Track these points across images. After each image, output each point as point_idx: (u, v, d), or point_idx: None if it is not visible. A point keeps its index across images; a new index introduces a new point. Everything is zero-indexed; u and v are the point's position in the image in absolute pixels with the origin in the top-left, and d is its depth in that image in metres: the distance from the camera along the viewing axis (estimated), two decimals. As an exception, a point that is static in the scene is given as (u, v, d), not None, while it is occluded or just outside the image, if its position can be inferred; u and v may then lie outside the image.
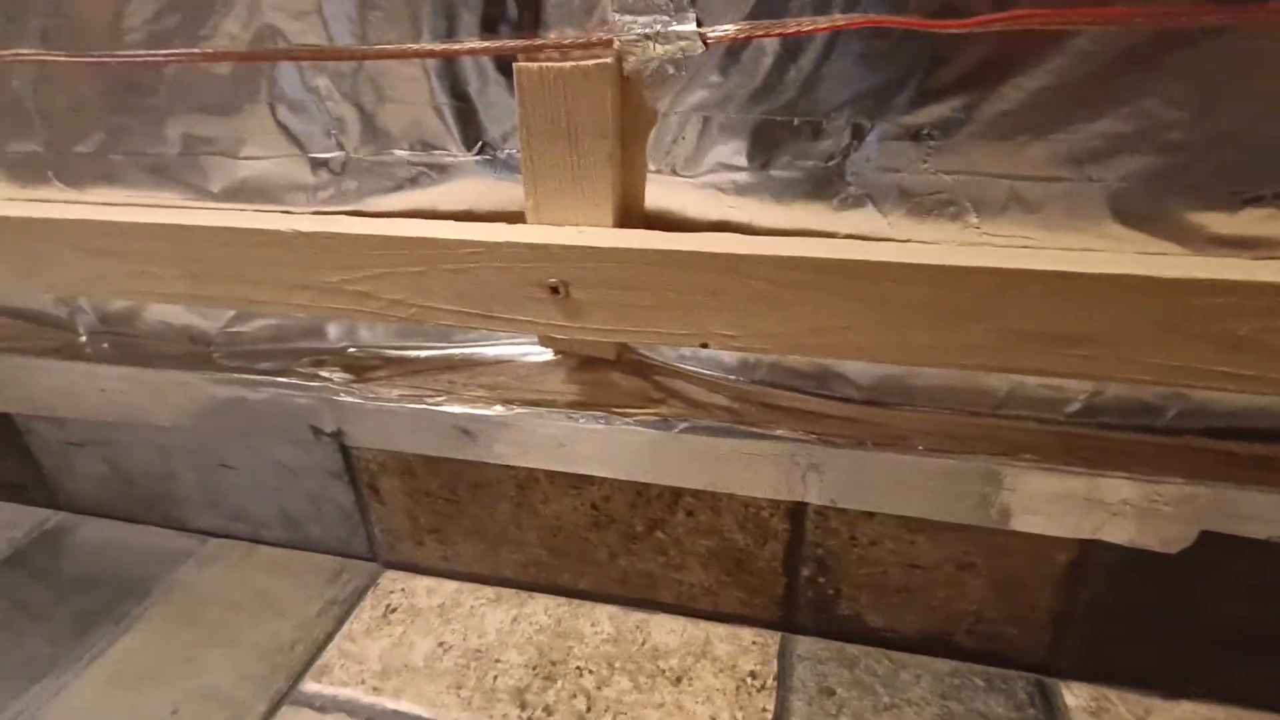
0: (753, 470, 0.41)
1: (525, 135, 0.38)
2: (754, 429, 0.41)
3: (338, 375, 0.47)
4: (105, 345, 0.53)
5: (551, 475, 0.46)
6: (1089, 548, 0.39)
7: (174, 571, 0.54)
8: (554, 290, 0.38)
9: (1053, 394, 0.38)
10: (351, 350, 0.49)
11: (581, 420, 0.43)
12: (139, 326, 0.52)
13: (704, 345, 0.38)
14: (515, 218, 0.41)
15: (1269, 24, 0.27)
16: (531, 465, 0.45)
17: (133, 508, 0.58)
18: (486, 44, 0.37)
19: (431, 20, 0.37)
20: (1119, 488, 0.36)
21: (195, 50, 0.40)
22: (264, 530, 0.56)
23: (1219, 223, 0.32)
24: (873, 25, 0.30)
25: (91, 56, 0.42)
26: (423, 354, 0.48)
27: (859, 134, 0.34)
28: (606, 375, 0.44)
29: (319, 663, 0.46)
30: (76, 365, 0.52)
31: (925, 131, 0.33)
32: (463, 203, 0.42)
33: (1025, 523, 0.39)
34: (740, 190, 0.37)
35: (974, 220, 0.34)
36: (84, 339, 0.53)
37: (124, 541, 0.57)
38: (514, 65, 0.36)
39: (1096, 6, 0.28)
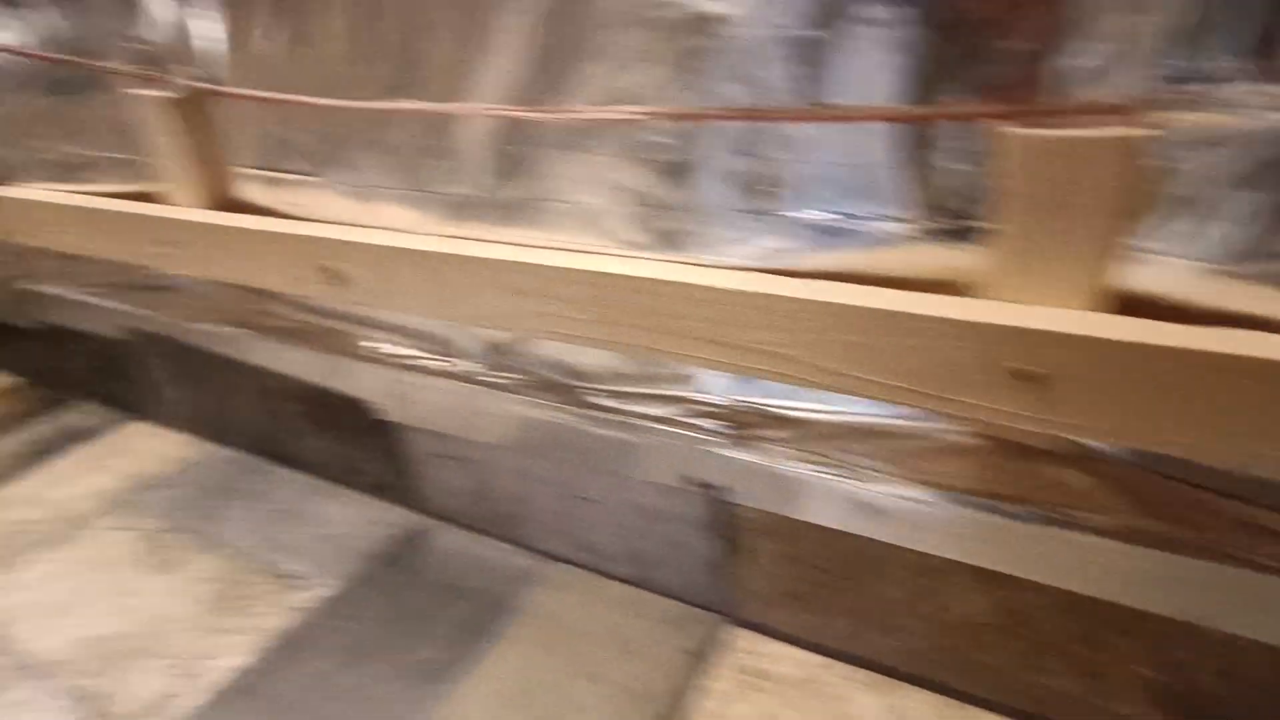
0: (1231, 602, 0.34)
1: (1003, 206, 0.33)
2: (1237, 554, 0.33)
3: (718, 427, 0.46)
4: (488, 372, 0.56)
5: (958, 567, 0.41)
6: None
7: (531, 592, 0.56)
8: (1028, 378, 0.33)
9: None
10: (729, 402, 0.47)
11: (1012, 517, 0.38)
12: (519, 357, 0.55)
13: (1202, 457, 0.32)
14: (948, 287, 0.36)
15: None
16: (938, 553, 0.41)
17: (487, 521, 0.62)
18: (971, 109, 0.33)
19: (890, 80, 0.33)
20: None
21: (642, 109, 0.40)
22: (611, 564, 0.56)
23: None
24: None
25: (534, 111, 0.43)
26: (812, 416, 0.45)
27: None
28: (1044, 467, 0.39)
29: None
30: (460, 387, 0.56)
31: None
32: (895, 267, 0.38)
33: None
34: (1252, 279, 0.30)
35: None
36: (467, 364, 0.57)
37: (480, 554, 0.60)
38: (1000, 130, 0.32)
39: None
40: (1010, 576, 0.40)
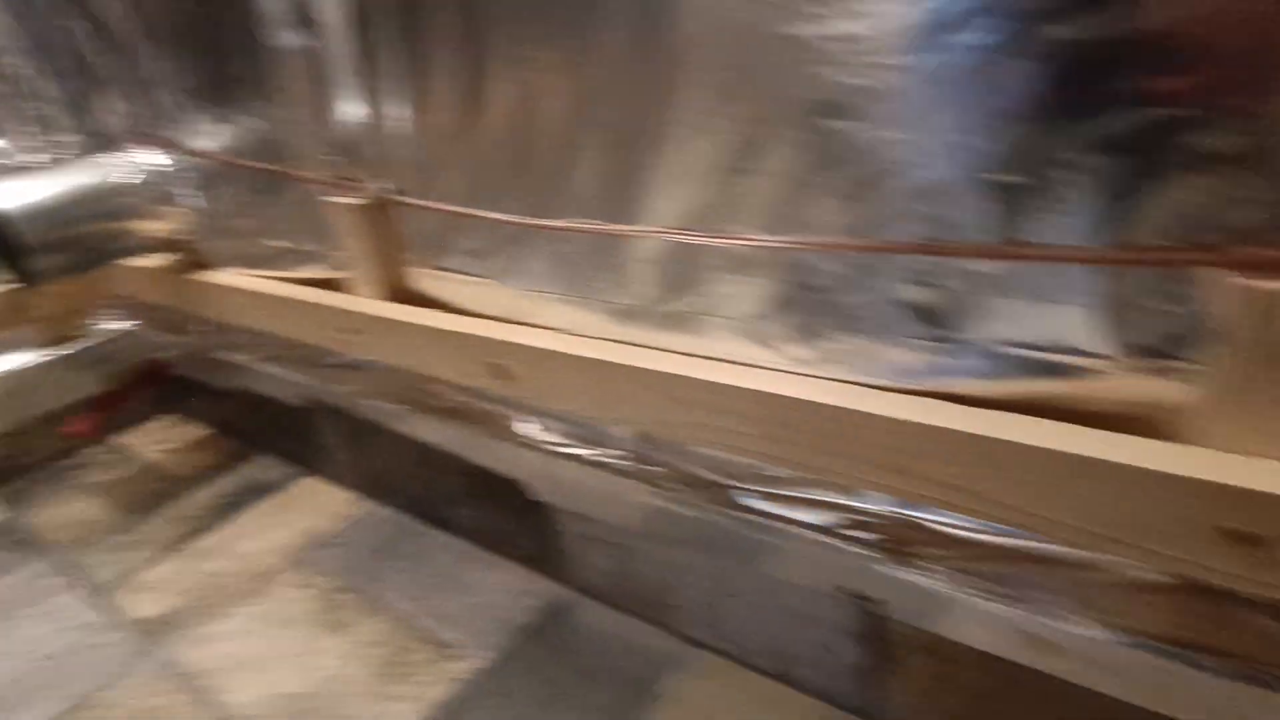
0: None
1: (1222, 354, 0.31)
2: None
3: (876, 539, 0.45)
4: (638, 465, 0.57)
5: (1127, 708, 0.38)
6: None
7: (673, 678, 0.56)
8: (1240, 539, 0.31)
9: None
10: (888, 513, 0.46)
11: (1200, 667, 0.35)
12: (670, 451, 0.55)
13: None
14: (1148, 424, 0.35)
15: None
16: (1108, 693, 0.38)
17: (631, 601, 0.62)
18: (1193, 255, 0.31)
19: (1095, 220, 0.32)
20: None
21: (810, 240, 0.40)
22: (755, 658, 0.56)
23: None
24: None
25: (705, 235, 0.45)
26: (977, 537, 0.43)
27: None
28: (1246, 615, 0.36)
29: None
30: (609, 476, 0.57)
31: None
32: (1090, 398, 0.37)
33: None
34: None
35: None
36: (617, 454, 0.58)
37: (625, 634, 0.61)
38: (1221, 279, 0.30)
39: None
40: (1196, 727, 0.37)
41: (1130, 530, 0.34)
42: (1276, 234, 0.29)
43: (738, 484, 0.52)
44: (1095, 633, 0.38)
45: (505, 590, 0.67)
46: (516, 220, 0.54)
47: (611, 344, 0.52)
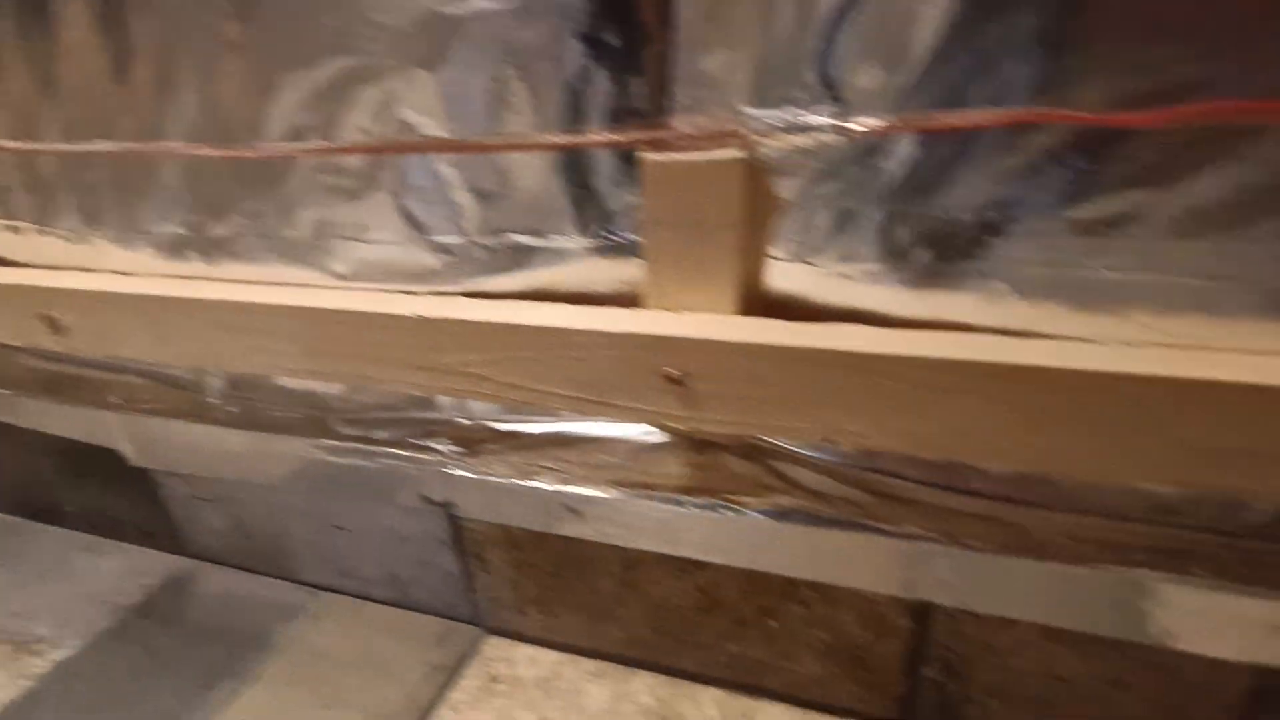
0: (875, 567, 0.38)
1: (648, 224, 0.36)
2: (879, 524, 0.37)
3: (448, 448, 0.46)
4: (232, 409, 0.53)
5: (659, 557, 0.44)
6: (1271, 676, 0.34)
7: (289, 625, 0.54)
8: (673, 381, 0.36)
9: (1229, 501, 0.33)
10: (462, 422, 0.48)
11: (692, 506, 0.41)
12: (263, 392, 0.53)
13: (831, 442, 0.35)
14: (629, 300, 0.39)
15: None
16: (639, 547, 0.43)
17: (252, 559, 0.59)
18: (614, 136, 0.35)
19: (557, 111, 0.35)
20: (1308, 615, 0.31)
21: (327, 145, 0.40)
22: (371, 588, 0.55)
23: None
24: (1043, 120, 0.27)
25: (234, 150, 0.42)
26: (532, 430, 0.46)
27: (1007, 228, 0.30)
28: (720, 459, 0.42)
29: (425, 734, 0.45)
30: (206, 428, 0.53)
31: (1089, 226, 0.29)
32: (578, 284, 0.40)
33: (1187, 643, 0.34)
34: (873, 278, 0.34)
35: (1143, 318, 0.30)
36: (213, 402, 0.54)
37: (244, 591, 0.57)
38: (640, 156, 0.34)
39: (1309, 99, 0.24)
40: (698, 561, 0.42)
41: (607, 390, 0.37)
42: (661, 116, 0.34)
43: (325, 414, 0.51)
44: (613, 494, 0.42)
45: (117, 573, 0.60)
46: (33, 147, 0.47)
47: (159, 279, 0.48)
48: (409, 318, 0.40)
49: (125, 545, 0.63)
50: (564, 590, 0.48)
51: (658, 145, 0.35)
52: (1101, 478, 0.31)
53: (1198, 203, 0.27)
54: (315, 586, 0.57)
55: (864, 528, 0.37)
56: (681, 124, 0.34)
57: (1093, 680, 0.37)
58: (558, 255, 0.40)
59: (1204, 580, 0.32)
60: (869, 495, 0.39)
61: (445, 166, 0.39)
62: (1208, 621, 0.33)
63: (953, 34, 0.28)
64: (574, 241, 0.39)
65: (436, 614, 0.54)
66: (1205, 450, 0.28)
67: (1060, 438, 0.30)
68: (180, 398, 0.55)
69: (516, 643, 0.51)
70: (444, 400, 0.48)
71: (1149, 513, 0.34)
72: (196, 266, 0.48)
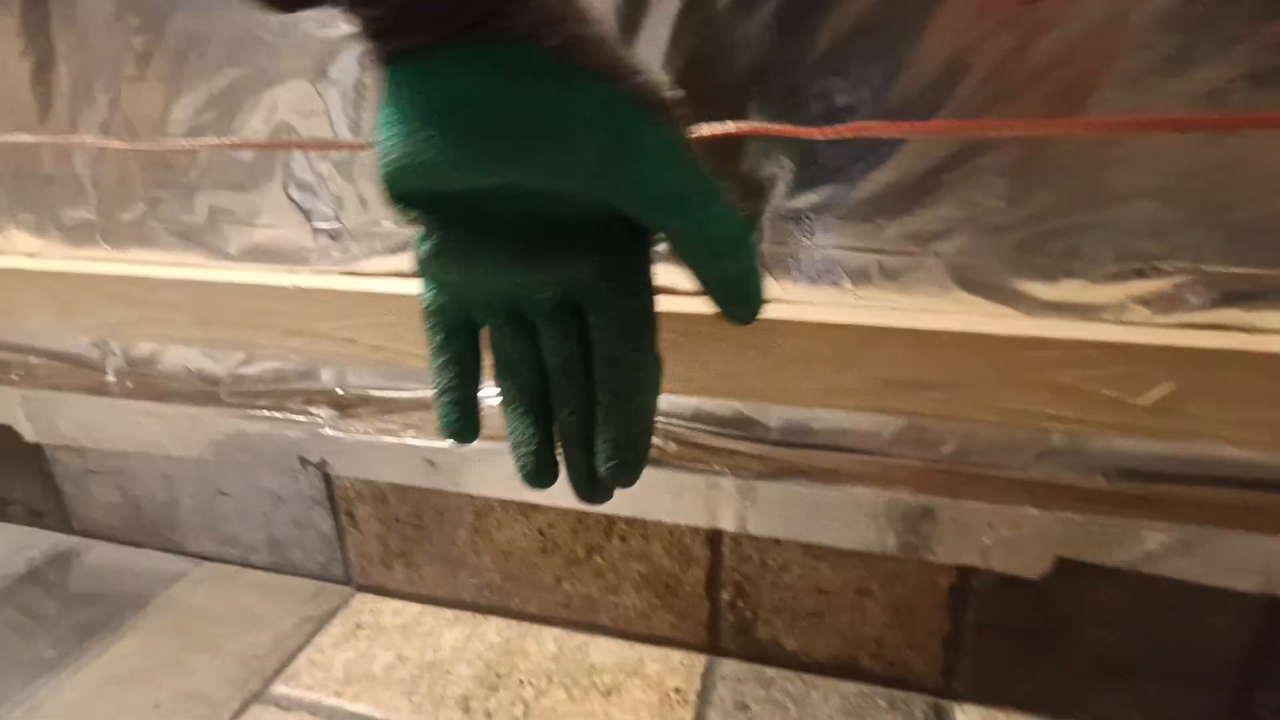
0: (675, 499, 0.45)
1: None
2: (678, 462, 0.45)
3: (324, 411, 0.53)
4: (129, 384, 0.58)
5: (504, 503, 0.50)
6: (968, 574, 0.43)
7: (169, 589, 0.58)
8: (505, 339, 0.44)
9: (928, 436, 0.42)
10: (338, 391, 0.54)
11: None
12: (160, 369, 0.58)
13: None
14: None
15: (1054, 131, 0.33)
16: (486, 494, 0.50)
17: (139, 532, 0.62)
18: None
19: None
20: (982, 517, 0.40)
21: (225, 140, 0.47)
22: (253, 555, 0.59)
23: (1044, 291, 0.37)
24: (754, 133, 0.36)
25: (141, 144, 0.49)
26: (400, 395, 0.53)
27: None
28: (555, 416, 0.49)
29: (289, 670, 0.50)
30: (100, 400, 0.57)
31: (804, 214, 0.39)
32: (437, 266, 0.48)
33: (905, 549, 0.42)
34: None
35: (849, 286, 0.40)
36: (111, 379, 0.59)
37: (128, 563, 0.61)
38: None
39: (919, 121, 0.34)
40: (536, 504, 0.49)
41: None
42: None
43: (215, 386, 0.56)
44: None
45: (1, 549, 0.63)
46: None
47: (65, 260, 0.53)
48: (288, 288, 0.46)
49: (9, 526, 0.65)
50: (425, 542, 0.53)
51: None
52: (825, 406, 0.40)
53: (865, 195, 0.37)
54: (200, 556, 0.61)
55: (668, 466, 0.45)
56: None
57: (846, 591, 0.45)
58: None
59: (910, 494, 0.41)
60: (674, 443, 0.47)
61: (325, 163, 0.47)
62: (914, 529, 0.41)
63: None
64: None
65: (312, 576, 0.58)
66: (889, 381, 0.38)
67: (794, 378, 0.39)
68: (80, 375, 0.59)
69: (384, 598, 0.56)
70: (324, 373, 0.54)
71: (877, 448, 0.43)
72: (105, 251, 0.53)
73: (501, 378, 0.29)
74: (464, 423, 0.30)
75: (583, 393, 0.28)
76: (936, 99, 0.34)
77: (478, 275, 0.27)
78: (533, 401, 0.29)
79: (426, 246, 0.27)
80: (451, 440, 0.30)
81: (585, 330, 0.28)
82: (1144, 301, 0.36)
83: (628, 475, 0.27)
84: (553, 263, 0.27)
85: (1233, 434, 0.34)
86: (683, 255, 0.28)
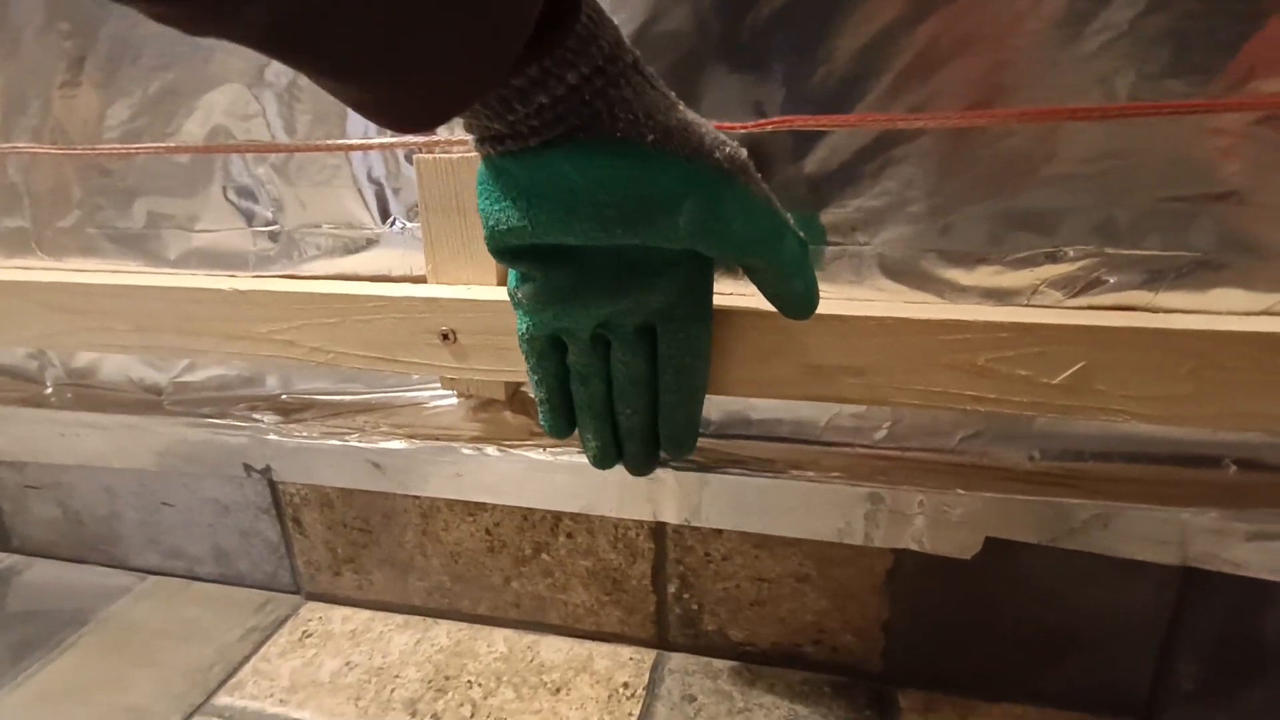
0: (619, 493, 0.46)
1: (424, 212, 0.44)
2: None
3: (268, 417, 0.52)
4: (69, 395, 0.57)
5: (451, 504, 0.50)
6: (901, 557, 0.44)
7: (111, 605, 0.56)
8: (445, 337, 0.44)
9: (861, 423, 0.43)
10: (284, 396, 0.54)
11: (471, 451, 0.48)
12: (100, 379, 0.57)
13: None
14: (419, 279, 0.47)
15: (961, 125, 0.35)
16: (433, 495, 0.49)
17: (80, 548, 0.61)
18: (394, 140, 0.44)
19: (351, 119, 0.44)
20: (914, 501, 0.41)
21: (161, 145, 0.47)
22: (199, 567, 0.58)
23: (962, 277, 0.38)
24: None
25: (75, 149, 0.48)
26: (345, 398, 0.53)
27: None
28: (499, 414, 0.49)
29: (233, 680, 0.48)
30: (39, 412, 0.56)
31: (731, 207, 0.39)
32: (380, 268, 0.48)
33: (842, 534, 0.43)
34: None
35: (779, 277, 0.40)
36: (49, 390, 0.58)
37: (69, 580, 0.59)
38: (414, 156, 0.43)
39: (836, 114, 0.36)
40: (482, 504, 0.49)
41: (394, 348, 0.45)
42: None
43: (158, 395, 0.55)
44: (407, 445, 0.48)
45: (-65, 572, 0.60)
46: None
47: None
48: (225, 291, 0.46)
49: (-51, 546, 0.63)
50: (373, 546, 0.53)
51: (428, 147, 0.43)
52: (757, 395, 0.40)
53: (789, 188, 0.38)
54: (144, 571, 0.60)
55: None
56: (445, 131, 0.43)
57: (787, 579, 0.46)
58: (362, 243, 0.48)
59: (843, 481, 0.42)
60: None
61: (263, 166, 0.46)
62: (848, 515, 0.42)
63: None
64: (374, 230, 0.47)
65: (260, 586, 0.57)
66: (816, 367, 0.38)
67: (727, 367, 0.40)
68: (17, 387, 0.58)
69: (333, 605, 0.56)
70: (269, 378, 0.54)
71: (811, 436, 0.44)
72: (40, 260, 0.52)
73: (576, 387, 0.35)
74: (562, 424, 0.37)
75: (646, 396, 0.35)
76: (856, 92, 0.36)
77: (573, 310, 0.32)
78: (603, 405, 0.35)
79: (527, 287, 0.32)
80: (554, 436, 0.37)
81: (654, 345, 0.34)
82: (1055, 285, 0.37)
83: (690, 451, 0.37)
84: (636, 295, 0.32)
85: (1136, 409, 0.35)
86: (756, 280, 0.33)
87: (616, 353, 0.34)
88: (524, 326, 0.34)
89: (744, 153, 0.30)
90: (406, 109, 0.25)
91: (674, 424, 0.36)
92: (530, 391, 0.49)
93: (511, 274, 0.34)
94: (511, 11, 0.23)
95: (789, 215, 0.32)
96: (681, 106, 0.29)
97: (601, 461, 0.37)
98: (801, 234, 0.33)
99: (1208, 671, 0.42)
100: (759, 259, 0.31)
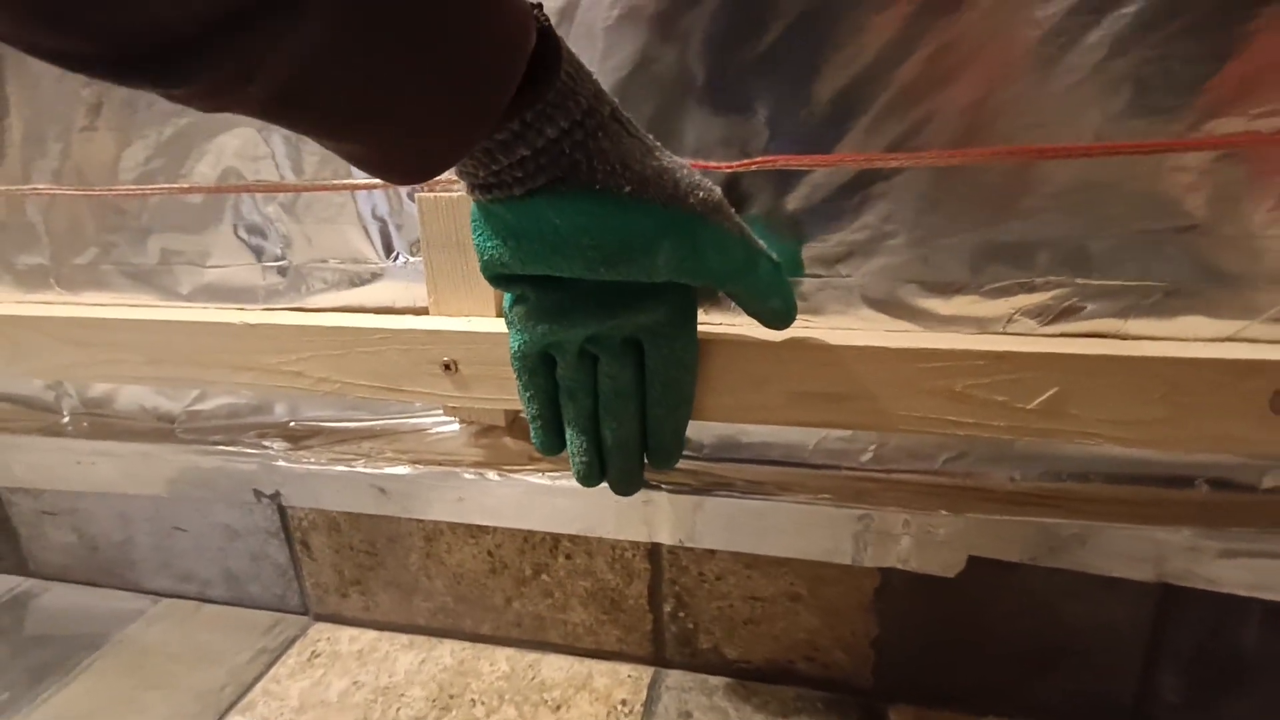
0: (617, 515, 0.47)
1: (426, 247, 0.46)
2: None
3: (277, 444, 0.53)
4: (85, 424, 0.58)
5: (453, 526, 0.51)
6: (889, 576, 0.45)
7: (125, 628, 0.57)
8: (447, 367, 0.45)
9: (848, 446, 0.44)
10: (292, 423, 0.55)
11: (472, 476, 0.49)
12: (115, 409, 0.58)
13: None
14: (422, 312, 0.48)
15: (937, 163, 0.36)
16: (436, 518, 0.51)
17: (95, 572, 0.62)
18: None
19: None
20: (900, 521, 0.42)
21: (175, 185, 0.49)
22: (210, 590, 0.59)
23: (941, 306, 0.40)
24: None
25: (93, 190, 0.50)
26: (351, 425, 0.54)
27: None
28: (499, 440, 0.51)
29: (244, 701, 0.50)
30: (55, 440, 0.57)
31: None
32: (384, 301, 0.50)
33: (830, 554, 0.44)
34: None
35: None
36: (66, 420, 0.59)
37: (84, 604, 0.61)
38: (416, 195, 0.45)
39: (818, 153, 0.37)
40: (484, 526, 0.50)
41: (398, 378, 0.46)
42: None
43: (172, 424, 0.57)
44: (411, 470, 0.50)
45: (-46, 596, 0.62)
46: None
47: (18, 304, 0.54)
48: (236, 324, 0.48)
49: (-33, 571, 0.65)
50: (379, 569, 0.54)
51: (430, 186, 0.45)
52: (744, 421, 0.42)
53: (774, 223, 0.39)
54: (157, 594, 0.61)
55: (607, 486, 0.47)
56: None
57: (780, 598, 0.47)
58: (367, 277, 0.49)
59: (830, 502, 0.43)
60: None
61: (272, 205, 0.48)
62: (837, 536, 0.43)
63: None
64: (379, 265, 0.49)
65: (269, 608, 0.59)
66: (802, 394, 0.40)
67: (712, 393, 0.41)
68: (35, 417, 0.59)
69: (341, 626, 0.57)
70: (278, 406, 0.55)
71: (800, 459, 0.45)
72: (58, 294, 0.54)
73: (565, 402, 0.36)
74: (552, 440, 0.38)
75: (631, 409, 0.36)
76: (837, 131, 0.37)
77: (562, 327, 0.33)
78: (589, 421, 0.36)
79: (520, 308, 0.34)
80: (544, 454, 0.38)
81: (640, 359, 0.35)
82: (1029, 313, 0.39)
83: (674, 464, 0.38)
84: (623, 313, 0.33)
85: (1111, 432, 0.36)
86: (736, 301, 0.35)
87: (604, 366, 0.35)
88: (516, 344, 0.35)
89: (718, 192, 0.32)
90: (398, 165, 0.27)
91: (661, 436, 0.37)
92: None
93: (506, 295, 0.35)
94: (492, 78, 0.25)
95: (763, 242, 0.34)
96: (658, 151, 0.31)
97: (586, 478, 0.38)
98: (774, 256, 0.35)
99: (1190, 683, 0.43)
100: (736, 286, 0.34)
